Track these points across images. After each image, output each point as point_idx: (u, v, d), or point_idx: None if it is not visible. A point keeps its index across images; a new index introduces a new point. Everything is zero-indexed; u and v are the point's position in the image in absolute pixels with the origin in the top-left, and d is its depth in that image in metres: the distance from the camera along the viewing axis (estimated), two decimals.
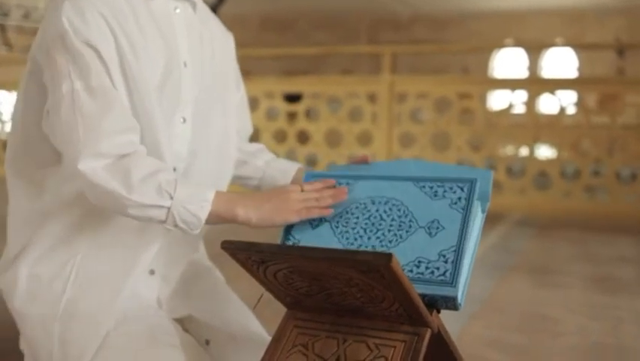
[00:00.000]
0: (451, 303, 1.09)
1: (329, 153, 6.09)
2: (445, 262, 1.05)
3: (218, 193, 1.16)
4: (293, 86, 6.53)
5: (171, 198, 1.12)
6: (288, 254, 1.01)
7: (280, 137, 6.31)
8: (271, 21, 12.60)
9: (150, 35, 1.24)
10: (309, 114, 6.28)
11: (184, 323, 1.41)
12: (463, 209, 1.08)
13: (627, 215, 5.11)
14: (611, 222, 4.93)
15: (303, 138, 6.36)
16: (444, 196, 1.12)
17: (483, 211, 1.21)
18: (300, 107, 6.28)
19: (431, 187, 1.13)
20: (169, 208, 1.12)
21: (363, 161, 1.37)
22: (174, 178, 1.15)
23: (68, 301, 1.25)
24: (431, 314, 1.07)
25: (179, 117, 1.29)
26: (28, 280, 1.27)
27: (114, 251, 1.27)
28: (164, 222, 1.14)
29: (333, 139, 6.19)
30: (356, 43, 13.81)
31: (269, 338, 1.42)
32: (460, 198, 1.08)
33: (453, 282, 1.05)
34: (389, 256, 0.94)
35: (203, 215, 1.14)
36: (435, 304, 1.09)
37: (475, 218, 1.17)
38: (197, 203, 1.14)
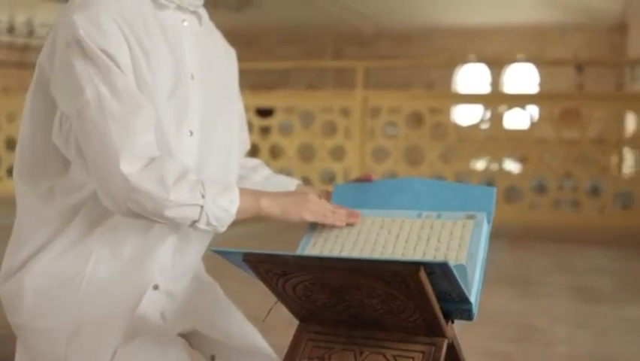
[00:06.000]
0: (466, 314, 1.10)
1: (302, 167, 6.09)
2: (449, 293, 1.04)
3: (241, 188, 1.21)
4: (266, 100, 6.52)
5: (203, 196, 1.14)
6: (312, 265, 1.01)
7: (252, 151, 6.29)
8: (239, 36, 12.61)
9: (160, 46, 1.23)
10: (282, 129, 6.27)
11: (188, 339, 1.39)
12: (444, 278, 0.98)
13: (593, 227, 5.23)
14: (578, 233, 5.03)
15: (276, 152, 6.35)
16: None
17: (489, 222, 1.24)
18: (272, 122, 6.27)
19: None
20: (202, 206, 1.14)
21: (367, 179, 1.38)
22: (198, 178, 1.17)
23: (77, 315, 1.22)
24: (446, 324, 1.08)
25: (186, 130, 1.28)
26: (33, 293, 1.24)
27: (121, 265, 1.25)
28: (197, 221, 1.15)
29: (307, 154, 6.20)
30: (321, 59, 13.89)
31: (273, 352, 1.43)
32: (433, 272, 0.97)
33: (464, 300, 1.05)
34: (417, 266, 0.94)
35: (234, 209, 1.17)
36: (450, 314, 1.09)
37: (482, 231, 1.20)
38: (227, 198, 1.16)
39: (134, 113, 1.14)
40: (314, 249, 1.23)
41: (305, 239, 1.26)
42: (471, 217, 1.23)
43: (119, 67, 1.15)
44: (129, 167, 1.12)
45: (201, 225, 1.16)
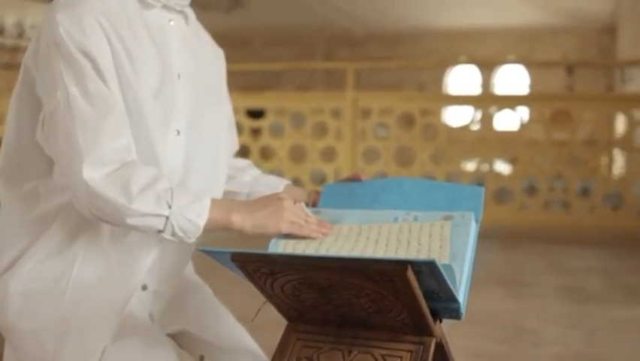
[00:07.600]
0: (454, 313, 1.10)
1: (293, 168, 6.08)
2: (436, 291, 1.04)
3: (213, 200, 1.17)
4: (256, 101, 6.51)
5: (169, 206, 1.12)
6: (301, 265, 1.00)
7: (243, 152, 6.28)
8: (229, 37, 12.60)
9: (145, 46, 1.23)
10: (273, 130, 6.26)
11: (177, 340, 1.39)
12: (431, 277, 0.99)
13: (583, 227, 5.25)
14: (568, 234, 5.05)
15: (267, 153, 6.34)
16: None
17: (477, 222, 1.23)
18: (263, 123, 6.26)
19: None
20: (167, 217, 1.12)
21: (356, 178, 1.38)
22: (170, 187, 1.14)
23: (63, 316, 1.21)
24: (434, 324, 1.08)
25: (173, 130, 1.27)
26: (20, 294, 1.23)
27: (108, 266, 1.24)
28: (161, 231, 1.13)
29: (298, 155, 6.19)
30: (312, 60, 13.90)
31: (262, 353, 1.43)
32: (420, 271, 0.97)
33: (452, 299, 1.05)
34: (404, 264, 0.95)
35: (201, 222, 1.14)
36: (438, 313, 1.09)
37: (469, 231, 1.19)
38: (196, 210, 1.13)
39: (104, 116, 1.12)
40: (287, 246, 1.19)
41: (276, 239, 1.23)
42: (448, 218, 1.20)
43: (98, 68, 1.14)
44: (91, 172, 1.10)
45: (166, 235, 1.13)
